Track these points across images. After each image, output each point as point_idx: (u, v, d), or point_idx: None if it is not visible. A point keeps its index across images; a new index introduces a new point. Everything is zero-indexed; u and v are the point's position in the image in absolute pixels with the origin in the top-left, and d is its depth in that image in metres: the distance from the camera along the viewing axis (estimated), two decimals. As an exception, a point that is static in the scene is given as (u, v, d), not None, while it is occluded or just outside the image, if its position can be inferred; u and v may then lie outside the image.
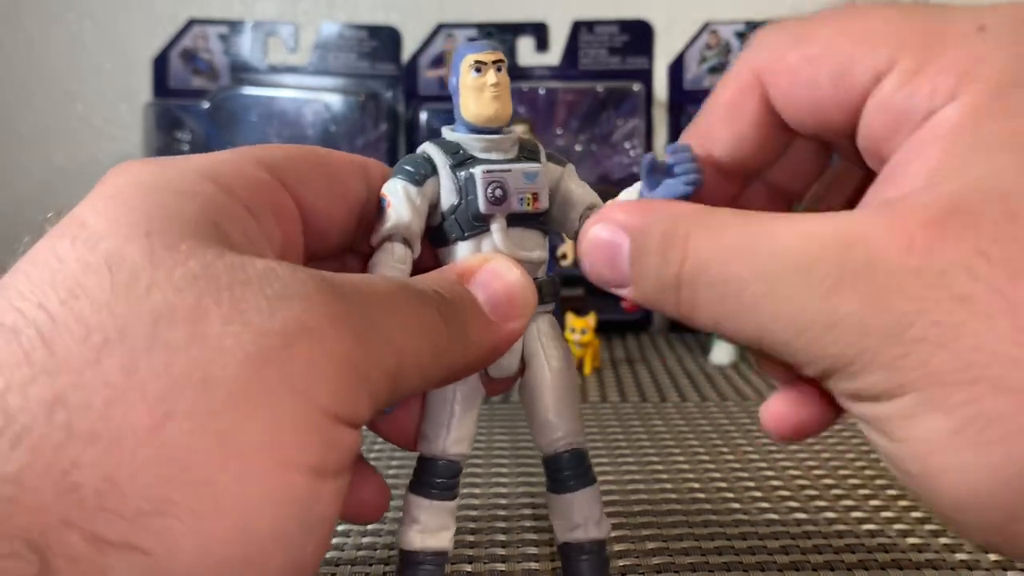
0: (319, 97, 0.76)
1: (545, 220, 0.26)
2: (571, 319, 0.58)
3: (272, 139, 0.75)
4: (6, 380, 0.17)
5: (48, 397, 0.16)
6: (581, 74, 0.75)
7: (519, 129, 0.64)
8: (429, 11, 0.84)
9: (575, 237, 0.26)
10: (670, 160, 0.23)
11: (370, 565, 0.31)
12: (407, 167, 0.25)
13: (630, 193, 0.25)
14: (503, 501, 0.36)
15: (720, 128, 0.24)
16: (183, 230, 0.19)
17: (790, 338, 0.20)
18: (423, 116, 0.75)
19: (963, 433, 0.18)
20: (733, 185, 0.25)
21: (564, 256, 0.65)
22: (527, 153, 0.26)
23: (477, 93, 0.25)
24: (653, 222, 0.22)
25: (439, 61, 0.76)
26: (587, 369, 0.59)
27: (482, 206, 0.24)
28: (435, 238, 0.25)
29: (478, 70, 0.24)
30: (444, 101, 0.75)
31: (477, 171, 0.24)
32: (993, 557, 0.30)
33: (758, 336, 0.20)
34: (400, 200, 0.24)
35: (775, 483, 0.38)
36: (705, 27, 0.76)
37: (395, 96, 0.76)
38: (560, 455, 0.26)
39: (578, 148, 0.74)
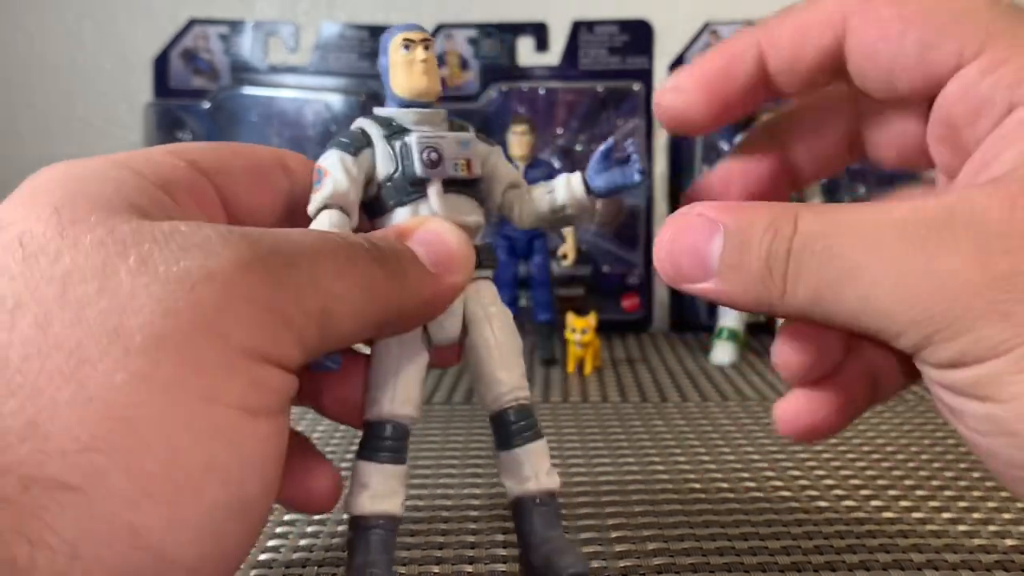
0: (320, 97, 0.76)
1: (479, 188, 0.27)
2: (571, 319, 0.58)
3: (272, 139, 0.75)
4: None
5: None
6: (581, 74, 0.75)
7: (518, 129, 0.64)
8: (429, 11, 0.84)
9: (499, 211, 0.28)
10: (630, 150, 0.25)
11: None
12: (342, 139, 0.26)
13: (560, 183, 0.27)
14: (476, 502, 0.36)
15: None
16: (93, 205, 0.20)
17: (893, 304, 0.20)
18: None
19: None
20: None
21: (565, 256, 0.65)
22: (458, 128, 0.27)
23: (407, 68, 0.26)
24: (757, 211, 0.22)
25: (439, 61, 0.76)
26: (587, 369, 0.59)
27: (419, 169, 0.25)
28: (372, 209, 0.26)
29: (407, 47, 0.25)
30: (444, 101, 0.75)
31: (412, 137, 0.25)
32: (993, 557, 0.30)
33: (859, 308, 0.20)
34: (337, 169, 0.25)
35: (776, 483, 0.38)
36: (705, 27, 0.76)
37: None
38: (506, 410, 0.26)
39: (578, 148, 0.74)
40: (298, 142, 0.76)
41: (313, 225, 0.25)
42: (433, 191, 0.25)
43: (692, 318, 0.73)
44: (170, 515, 0.17)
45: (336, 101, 0.75)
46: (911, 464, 0.40)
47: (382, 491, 0.25)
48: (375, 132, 0.26)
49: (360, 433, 0.26)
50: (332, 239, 0.22)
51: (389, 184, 0.25)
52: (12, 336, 0.18)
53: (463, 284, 0.25)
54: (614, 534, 0.32)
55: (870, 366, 0.26)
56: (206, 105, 0.75)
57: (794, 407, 0.25)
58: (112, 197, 0.21)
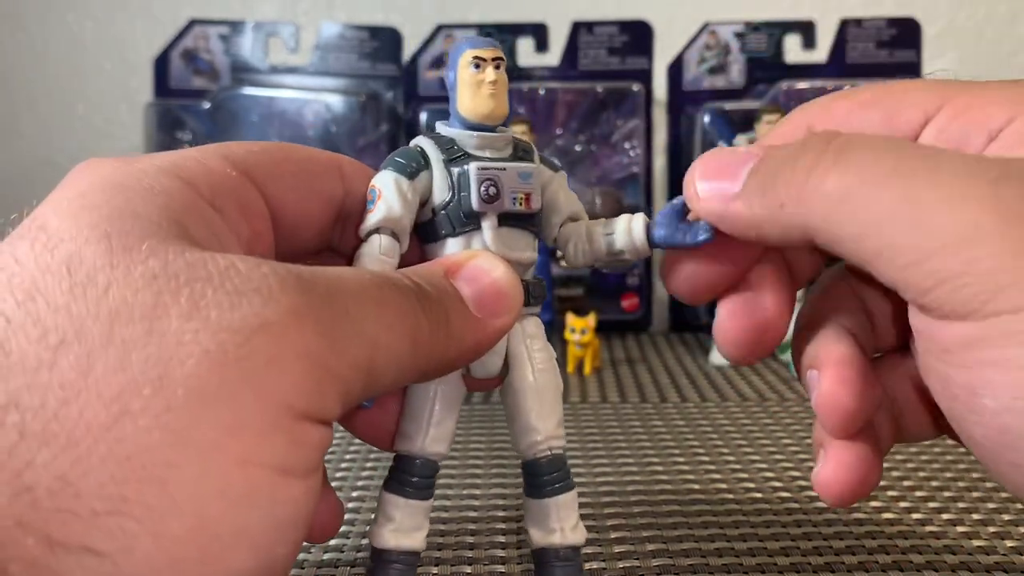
0: (320, 97, 0.76)
1: (536, 222, 0.26)
2: (571, 319, 0.58)
3: (272, 139, 0.76)
4: None
5: (1, 400, 0.16)
6: (581, 74, 0.75)
7: (518, 129, 0.64)
8: (429, 11, 0.84)
9: (553, 243, 0.27)
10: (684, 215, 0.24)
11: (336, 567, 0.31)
12: (399, 159, 0.25)
13: (620, 228, 0.26)
14: (475, 503, 0.36)
15: None
16: (144, 229, 0.19)
17: (939, 212, 0.18)
18: (423, 116, 0.75)
19: None
20: (751, 250, 0.25)
21: (563, 257, 0.65)
22: (521, 153, 0.25)
23: (474, 89, 0.24)
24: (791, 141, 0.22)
25: (439, 62, 0.76)
26: (587, 369, 0.59)
27: (475, 203, 0.24)
28: (424, 234, 0.25)
29: (477, 66, 0.24)
30: (444, 102, 0.75)
31: (472, 167, 0.24)
32: (993, 558, 0.30)
33: (893, 211, 0.19)
34: (391, 192, 0.24)
35: (775, 484, 0.38)
36: (704, 27, 0.76)
37: (395, 97, 0.76)
38: (539, 460, 0.26)
39: (578, 148, 0.74)
40: (298, 142, 0.75)
41: (362, 249, 0.24)
42: (488, 225, 0.24)
43: (692, 318, 0.73)
44: None
45: (336, 101, 0.75)
46: (910, 465, 0.40)
47: (406, 526, 0.25)
48: (434, 154, 0.25)
49: (385, 456, 0.26)
50: (381, 282, 0.21)
51: (444, 212, 0.24)
52: (52, 377, 0.17)
53: (509, 326, 0.24)
54: (613, 535, 0.32)
55: (893, 406, 0.25)
56: (206, 105, 0.75)
57: (831, 473, 0.23)
58: (161, 218, 0.20)
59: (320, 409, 0.19)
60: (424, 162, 0.25)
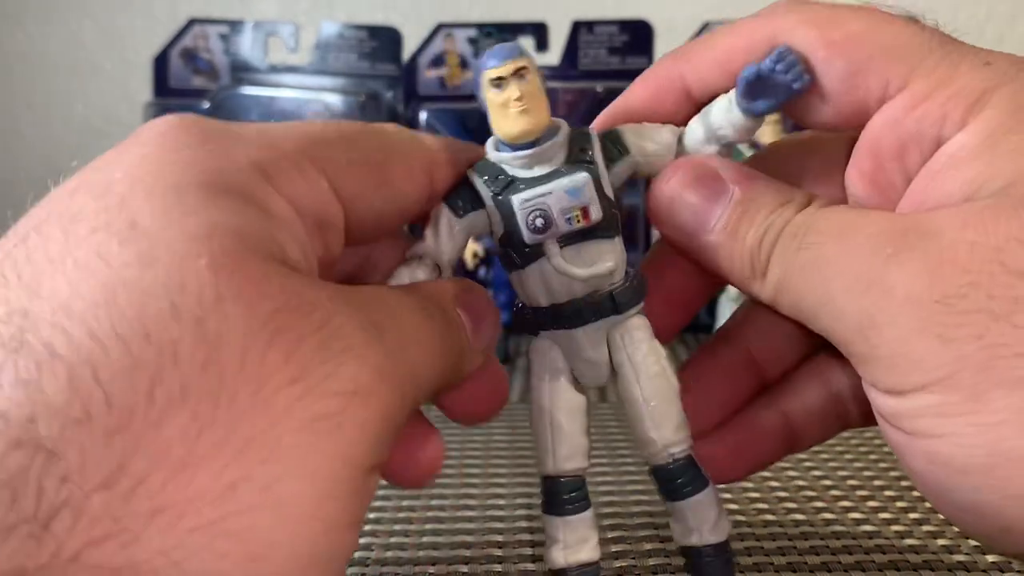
0: (319, 97, 0.76)
1: (609, 226, 0.24)
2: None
3: (272, 139, 0.75)
4: (58, 431, 0.15)
5: (112, 465, 0.15)
6: (581, 74, 0.75)
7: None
8: (429, 11, 0.84)
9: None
10: (773, 65, 0.22)
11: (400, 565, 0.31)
12: (454, 196, 0.24)
13: (719, 108, 0.24)
14: (471, 503, 0.36)
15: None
16: (248, 248, 0.18)
17: (845, 303, 0.20)
18: (423, 116, 0.75)
19: None
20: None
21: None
22: (576, 155, 0.23)
23: (502, 111, 0.23)
24: (768, 187, 0.23)
25: (439, 61, 0.76)
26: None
27: (526, 237, 0.23)
28: (503, 263, 0.25)
29: (498, 86, 0.22)
30: (444, 101, 0.75)
31: (515, 200, 0.23)
32: (991, 558, 0.30)
33: (819, 302, 0.21)
34: (439, 225, 0.24)
35: (772, 484, 0.38)
36: (705, 27, 0.76)
37: (395, 96, 0.76)
38: (662, 467, 0.25)
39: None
40: (298, 142, 0.76)
41: (400, 269, 0.24)
42: (552, 251, 0.23)
43: (692, 319, 0.73)
44: None
45: (336, 101, 0.75)
46: (909, 465, 0.40)
47: (572, 542, 0.25)
48: (484, 191, 0.23)
49: None
50: (424, 312, 0.21)
51: (507, 247, 0.24)
52: (159, 442, 0.15)
53: (479, 362, 0.24)
54: (610, 534, 0.32)
55: (786, 418, 0.27)
56: (206, 105, 0.75)
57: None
58: (264, 237, 0.18)
59: (381, 458, 0.19)
60: (476, 201, 0.24)
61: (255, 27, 0.77)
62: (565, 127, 0.23)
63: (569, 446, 0.25)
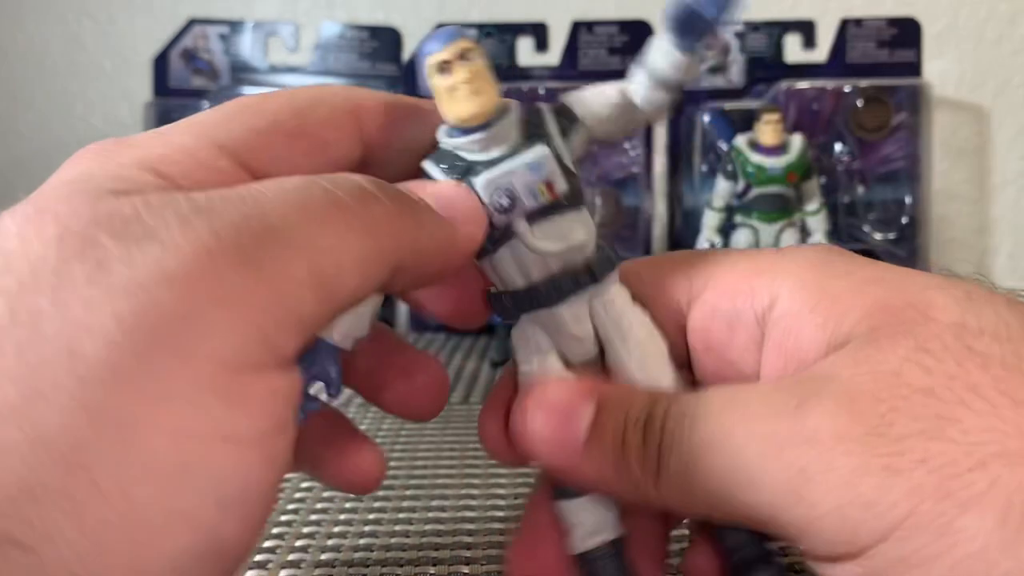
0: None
1: (575, 197, 0.23)
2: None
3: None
4: None
5: None
6: (581, 74, 0.75)
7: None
8: (429, 11, 0.84)
9: (631, 131, 0.25)
10: None
11: (334, 567, 0.31)
12: None
13: (656, 50, 0.23)
14: (472, 503, 0.36)
15: None
16: (72, 187, 0.18)
17: (763, 466, 0.18)
18: (423, 116, 0.75)
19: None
20: None
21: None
22: (531, 131, 0.23)
23: (451, 95, 0.22)
24: (633, 391, 0.22)
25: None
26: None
27: (494, 219, 0.23)
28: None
29: (444, 70, 0.22)
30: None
31: (478, 182, 0.22)
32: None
33: (729, 481, 0.19)
34: None
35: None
36: (705, 27, 0.76)
37: (395, 96, 0.76)
38: None
39: (578, 148, 0.74)
40: (298, 142, 0.76)
41: None
42: (521, 230, 0.23)
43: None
44: (128, 568, 0.15)
45: (336, 101, 0.75)
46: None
47: (590, 524, 0.24)
48: (444, 179, 0.23)
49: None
50: (312, 187, 0.19)
51: None
52: None
53: (478, 236, 0.22)
54: (611, 535, 0.32)
55: None
56: (206, 105, 0.75)
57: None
58: (100, 177, 0.18)
59: (262, 354, 0.17)
60: None
61: (255, 27, 0.77)
62: (515, 105, 0.23)
63: None
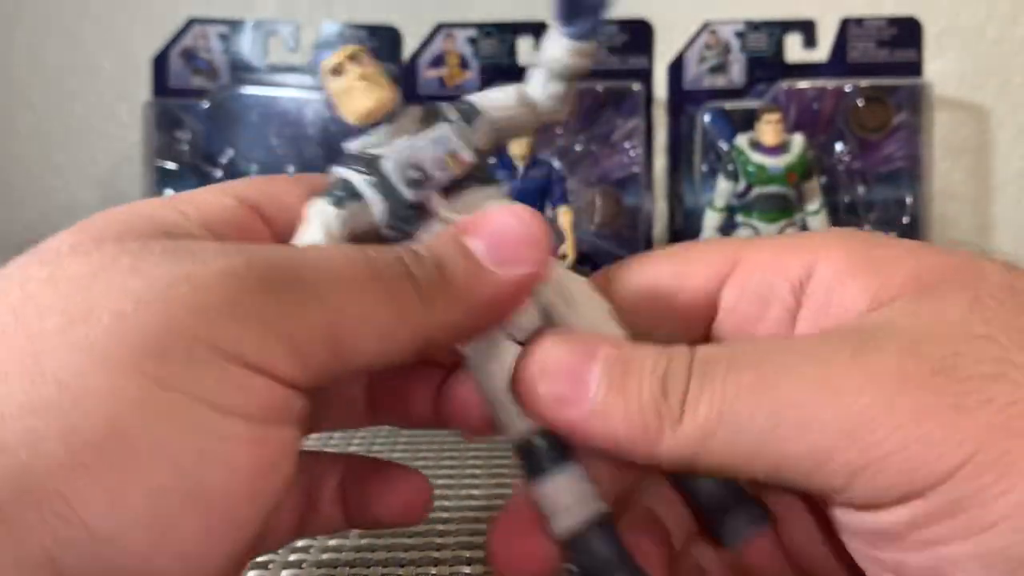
0: (320, 97, 0.75)
1: (484, 170, 0.24)
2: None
3: (272, 139, 0.75)
4: None
5: None
6: (581, 74, 0.75)
7: None
8: (429, 11, 0.84)
9: (539, 126, 0.25)
10: None
11: (335, 568, 0.31)
12: (327, 190, 0.24)
13: (549, 43, 0.24)
14: (474, 503, 0.36)
15: None
16: (117, 232, 0.20)
17: (821, 408, 0.18)
18: (423, 116, 0.75)
19: None
20: None
21: (564, 256, 0.65)
22: (431, 121, 0.24)
23: (348, 95, 0.23)
24: (644, 345, 0.21)
25: (439, 61, 0.76)
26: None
27: (408, 195, 0.23)
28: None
29: (337, 72, 0.23)
30: (444, 101, 0.75)
31: (386, 164, 0.23)
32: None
33: (775, 425, 0.18)
34: (313, 219, 0.23)
35: (775, 484, 0.38)
36: (705, 27, 0.76)
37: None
38: None
39: (578, 148, 0.74)
40: (298, 142, 0.76)
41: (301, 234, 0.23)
42: (436, 206, 0.23)
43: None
44: (107, 492, 0.16)
45: (336, 101, 0.75)
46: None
47: (570, 502, 0.23)
48: (355, 177, 0.23)
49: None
50: (353, 255, 0.20)
51: (393, 219, 0.23)
52: None
53: (535, 273, 0.22)
54: (612, 535, 0.32)
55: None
56: (206, 105, 0.75)
57: None
58: (145, 226, 0.21)
59: (263, 361, 0.18)
60: (350, 190, 0.23)
61: (255, 27, 0.77)
62: (415, 106, 0.24)
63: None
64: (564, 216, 0.63)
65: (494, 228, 0.22)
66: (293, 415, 0.19)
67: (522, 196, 0.62)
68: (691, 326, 0.24)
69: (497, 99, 0.25)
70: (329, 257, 0.20)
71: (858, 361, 0.18)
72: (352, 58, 0.23)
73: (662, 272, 0.24)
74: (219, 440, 0.18)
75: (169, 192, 0.75)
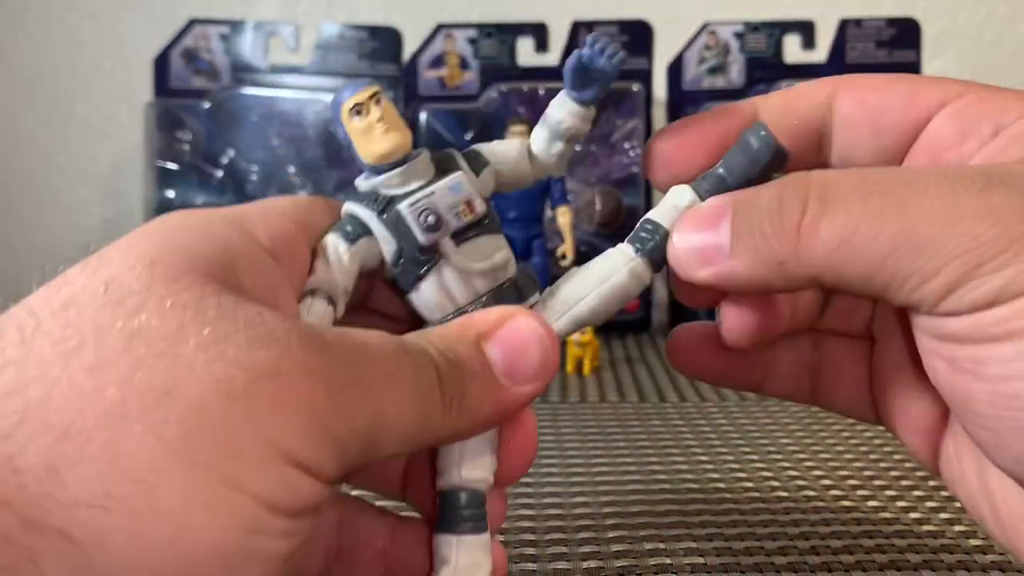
0: (320, 97, 0.76)
1: (493, 220, 0.25)
2: (570, 319, 0.58)
3: (273, 139, 0.76)
4: None
5: (11, 387, 0.17)
6: (581, 74, 0.75)
7: (517, 130, 0.63)
8: (429, 11, 0.85)
9: (536, 178, 0.26)
10: (591, 51, 0.24)
11: None
12: (339, 226, 0.24)
13: (555, 105, 0.25)
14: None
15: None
16: (190, 264, 0.20)
17: (939, 231, 0.19)
18: (423, 116, 0.75)
19: None
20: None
21: (564, 256, 0.65)
22: (443, 167, 0.25)
23: (367, 135, 0.24)
24: (743, 191, 0.23)
25: (439, 61, 0.76)
26: (586, 369, 0.59)
27: (421, 238, 0.24)
28: (400, 286, 0.25)
29: (358, 112, 0.24)
30: (444, 101, 0.75)
31: (402, 207, 0.24)
32: (990, 557, 0.31)
33: (897, 243, 0.20)
34: (328, 255, 0.24)
35: (773, 483, 0.38)
36: (704, 27, 0.76)
37: (395, 96, 0.76)
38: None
39: (577, 148, 0.74)
40: (298, 142, 0.76)
41: (299, 311, 0.24)
42: (447, 250, 0.24)
43: (691, 318, 0.73)
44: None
45: (336, 101, 0.75)
46: (908, 464, 0.40)
47: (464, 564, 0.24)
48: (366, 214, 0.24)
49: None
50: (405, 360, 0.21)
51: (402, 262, 0.24)
52: (63, 374, 0.17)
53: (538, 392, 0.23)
54: (611, 534, 0.33)
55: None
56: (206, 105, 0.76)
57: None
58: (211, 257, 0.20)
59: (314, 462, 0.19)
60: (362, 227, 0.24)
61: (256, 27, 0.77)
62: (426, 150, 0.25)
63: (475, 455, 0.24)
64: (563, 216, 0.63)
65: (514, 344, 0.23)
66: (318, 511, 0.20)
67: (522, 196, 0.62)
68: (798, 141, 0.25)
69: (503, 153, 0.26)
70: (384, 357, 0.21)
71: (985, 197, 0.19)
72: (373, 99, 0.24)
73: (894, 90, 0.25)
74: (266, 537, 0.18)
75: (169, 193, 0.76)
